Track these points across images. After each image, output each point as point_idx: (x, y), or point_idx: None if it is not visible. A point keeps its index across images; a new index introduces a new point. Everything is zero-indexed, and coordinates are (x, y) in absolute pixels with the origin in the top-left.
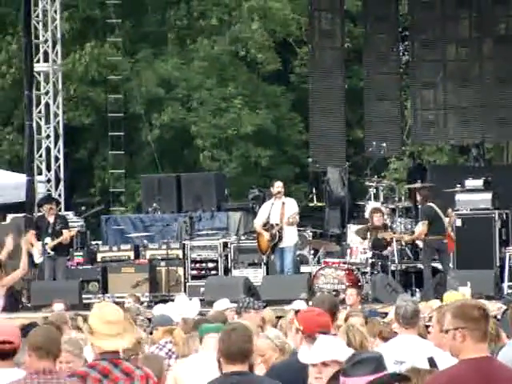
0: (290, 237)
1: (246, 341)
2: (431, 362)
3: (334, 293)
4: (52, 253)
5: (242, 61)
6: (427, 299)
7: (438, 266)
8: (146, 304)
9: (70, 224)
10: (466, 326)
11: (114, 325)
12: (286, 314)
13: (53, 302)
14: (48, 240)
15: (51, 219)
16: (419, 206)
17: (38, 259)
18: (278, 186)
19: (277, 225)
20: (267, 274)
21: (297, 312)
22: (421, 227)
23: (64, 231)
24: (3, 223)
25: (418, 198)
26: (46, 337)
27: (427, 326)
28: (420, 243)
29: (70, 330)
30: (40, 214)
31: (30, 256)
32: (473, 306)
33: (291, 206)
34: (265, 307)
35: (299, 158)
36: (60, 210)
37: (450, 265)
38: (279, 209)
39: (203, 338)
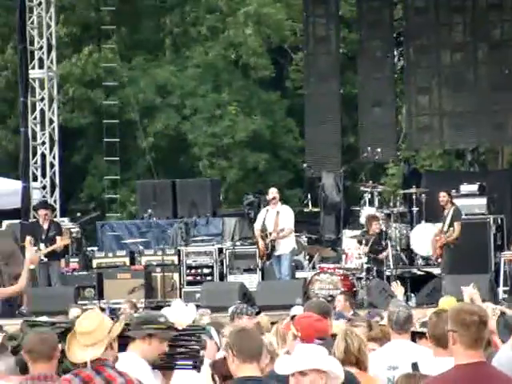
0: (287, 244)
1: (258, 337)
2: (414, 367)
3: (329, 298)
4: (45, 259)
5: (236, 67)
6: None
7: (434, 270)
8: (141, 310)
9: (64, 231)
10: (457, 329)
11: (85, 335)
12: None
13: (69, 307)
14: (42, 247)
15: (45, 225)
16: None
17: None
18: (272, 192)
19: (270, 234)
20: (262, 279)
21: (293, 317)
22: (458, 227)
23: (58, 238)
24: None
25: (447, 198)
26: (37, 339)
27: (417, 333)
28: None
29: None
30: (34, 219)
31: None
32: (467, 311)
33: (285, 216)
34: (258, 313)
35: (294, 163)
36: (55, 217)
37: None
38: (274, 217)
39: None
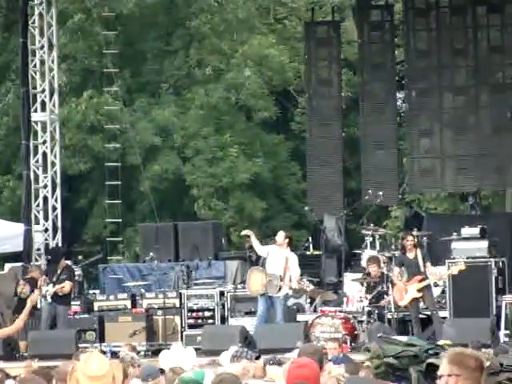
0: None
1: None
2: None
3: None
4: (50, 300)
5: (239, 109)
6: None
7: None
8: (142, 353)
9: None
10: (461, 373)
11: (95, 380)
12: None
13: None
14: (49, 287)
15: (59, 269)
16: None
17: (39, 304)
18: (280, 235)
19: (280, 278)
20: (264, 322)
21: None
22: (433, 267)
23: (67, 282)
24: (1, 273)
25: (415, 241)
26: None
27: None
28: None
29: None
30: (47, 262)
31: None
32: (471, 355)
33: (295, 265)
34: (258, 358)
35: (297, 207)
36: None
37: (447, 313)
38: (282, 262)
39: None
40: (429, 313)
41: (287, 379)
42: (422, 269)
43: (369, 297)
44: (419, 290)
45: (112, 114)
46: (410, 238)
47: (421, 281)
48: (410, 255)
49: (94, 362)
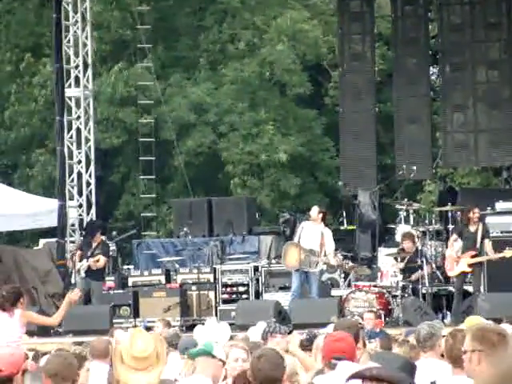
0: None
1: (273, 368)
2: None
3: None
4: (83, 275)
5: (274, 85)
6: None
7: (470, 288)
8: (176, 328)
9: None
10: (483, 349)
11: (140, 360)
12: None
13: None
14: (84, 262)
15: (94, 244)
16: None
17: (73, 279)
18: (314, 210)
19: (317, 253)
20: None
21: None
22: (490, 244)
23: (101, 257)
24: (36, 248)
25: (479, 215)
26: (61, 363)
27: None
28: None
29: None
30: (84, 237)
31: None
32: (493, 330)
33: (330, 239)
34: (290, 332)
35: (331, 183)
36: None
37: (481, 288)
38: (317, 237)
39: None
40: (470, 288)
41: (324, 353)
42: (479, 244)
43: (401, 265)
44: (470, 265)
45: (145, 88)
46: (476, 210)
47: (473, 256)
48: (472, 228)
49: (139, 341)
